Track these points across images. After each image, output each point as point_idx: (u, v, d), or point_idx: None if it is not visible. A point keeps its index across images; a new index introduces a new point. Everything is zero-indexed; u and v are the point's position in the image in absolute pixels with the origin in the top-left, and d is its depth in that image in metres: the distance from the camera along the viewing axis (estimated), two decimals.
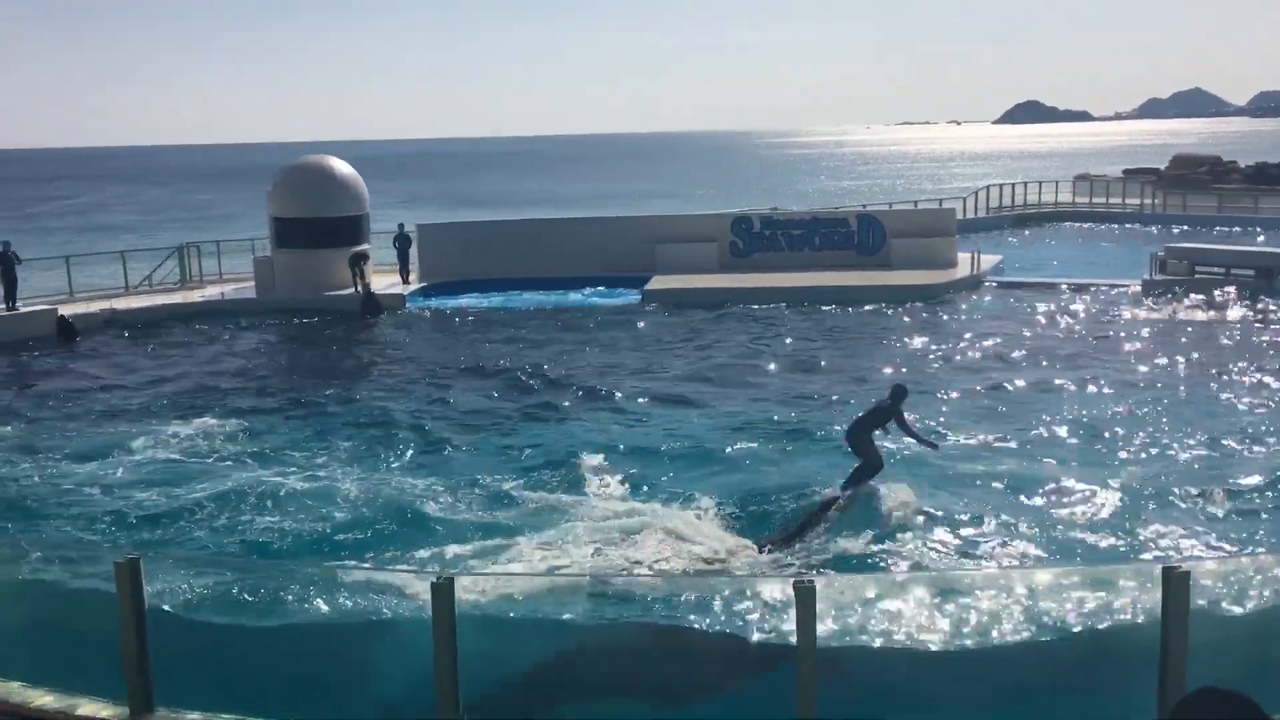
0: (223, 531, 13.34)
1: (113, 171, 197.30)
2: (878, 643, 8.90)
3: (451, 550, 12.31)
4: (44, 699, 7.68)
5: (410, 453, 16.77)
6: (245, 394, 21.16)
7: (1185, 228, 43.76)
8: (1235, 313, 26.20)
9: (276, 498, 14.35)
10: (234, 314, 29.91)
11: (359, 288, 31.15)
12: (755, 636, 9.13)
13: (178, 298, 31.45)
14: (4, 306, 27.70)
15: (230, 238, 38.57)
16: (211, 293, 32.20)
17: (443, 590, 6.92)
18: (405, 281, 32.89)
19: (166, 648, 7.65)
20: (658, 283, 31.33)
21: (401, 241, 33.27)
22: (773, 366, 22.06)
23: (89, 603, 9.54)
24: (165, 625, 8.23)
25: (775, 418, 17.90)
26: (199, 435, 17.98)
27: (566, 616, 9.74)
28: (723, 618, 9.56)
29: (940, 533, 12.48)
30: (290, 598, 10.25)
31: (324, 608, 10.13)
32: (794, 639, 6.67)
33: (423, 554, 12.26)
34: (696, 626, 9.50)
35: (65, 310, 28.39)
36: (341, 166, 33.21)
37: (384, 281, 32.55)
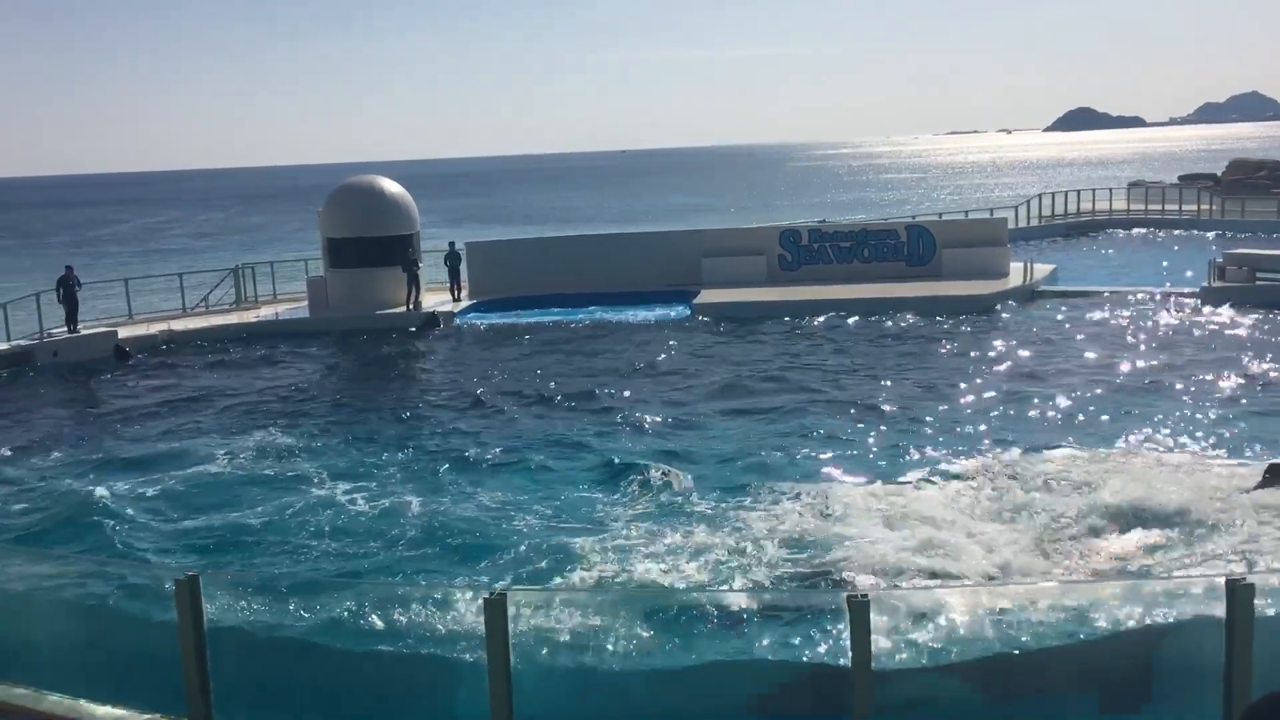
0: (281, 550, 13.49)
1: (168, 195, 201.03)
2: (929, 660, 8.79)
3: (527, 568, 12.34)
4: (106, 715, 7.80)
5: (470, 469, 16.86)
6: (301, 413, 21.42)
7: (1245, 234, 42.97)
8: None
9: (336, 516, 14.51)
10: (289, 334, 30.30)
11: (411, 304, 31.48)
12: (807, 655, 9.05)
13: (233, 318, 31.94)
14: (66, 329, 28.31)
15: (283, 258, 39.15)
16: (266, 313, 32.66)
17: (495, 606, 6.94)
18: (456, 299, 33.15)
19: (224, 666, 7.75)
20: (706, 296, 31.31)
21: (452, 259, 33.58)
22: (823, 378, 21.92)
23: (150, 620, 9.69)
24: (223, 643, 8.33)
25: (835, 428, 17.80)
26: (256, 454, 18.21)
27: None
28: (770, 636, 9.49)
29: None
30: (348, 615, 10.33)
31: (380, 624, 10.19)
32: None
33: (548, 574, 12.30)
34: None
35: (124, 332, 28.94)
36: (391, 186, 33.59)
37: (434, 299, 32.84)
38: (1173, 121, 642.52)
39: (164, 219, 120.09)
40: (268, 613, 10.46)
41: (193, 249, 73.00)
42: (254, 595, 10.66)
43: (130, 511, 15.32)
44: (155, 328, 30.05)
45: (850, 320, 28.00)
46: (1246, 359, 21.77)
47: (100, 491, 16.26)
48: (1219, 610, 6.71)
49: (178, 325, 30.46)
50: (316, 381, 25.10)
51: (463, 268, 33.75)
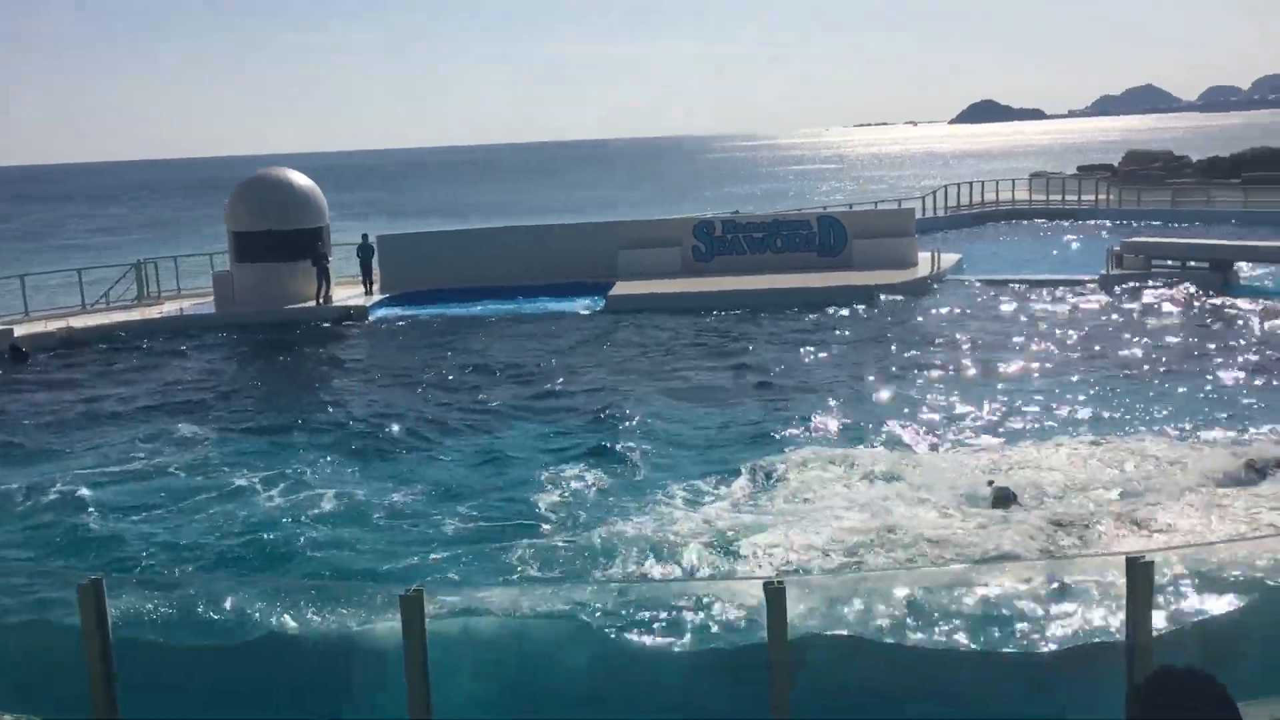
0: (190, 550, 13.19)
1: (67, 190, 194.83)
2: (845, 643, 8.93)
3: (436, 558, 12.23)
4: None
5: (383, 463, 16.68)
6: (208, 410, 20.94)
7: (1141, 223, 44.38)
8: (1191, 305, 26.58)
9: (248, 515, 14.24)
10: (195, 330, 29.62)
11: (321, 298, 31.01)
12: (727, 642, 9.14)
13: (136, 314, 31.10)
14: None
15: (188, 253, 38.22)
16: (170, 309, 31.86)
17: (412, 603, 6.89)
18: (369, 292, 32.73)
19: (131, 669, 7.57)
20: (621, 288, 31.35)
21: (364, 252, 33.14)
22: (737, 370, 22.11)
23: (51, 626, 9.41)
24: (129, 646, 8.13)
25: (743, 419, 17.97)
26: (162, 453, 17.76)
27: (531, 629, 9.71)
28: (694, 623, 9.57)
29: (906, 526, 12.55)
30: (259, 615, 10.15)
31: (293, 624, 10.04)
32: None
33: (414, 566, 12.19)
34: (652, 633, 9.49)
35: (20, 329, 27.99)
36: (300, 179, 33.01)
37: (347, 293, 32.37)
38: (1072, 114, 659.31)
39: (62, 214, 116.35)
40: (176, 614, 10.24)
41: (92, 245, 70.89)
42: (161, 597, 10.43)
43: (32, 515, 14.84)
44: (53, 325, 29.12)
45: (750, 312, 28.26)
46: (1141, 344, 22.48)
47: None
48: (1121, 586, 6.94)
49: (77, 322, 29.56)
50: (225, 378, 24.56)
51: (375, 261, 33.32)
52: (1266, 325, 23.85)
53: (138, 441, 18.47)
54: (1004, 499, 13.15)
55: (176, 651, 9.73)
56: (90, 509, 14.90)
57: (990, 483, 13.74)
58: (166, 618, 10.16)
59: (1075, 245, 40.94)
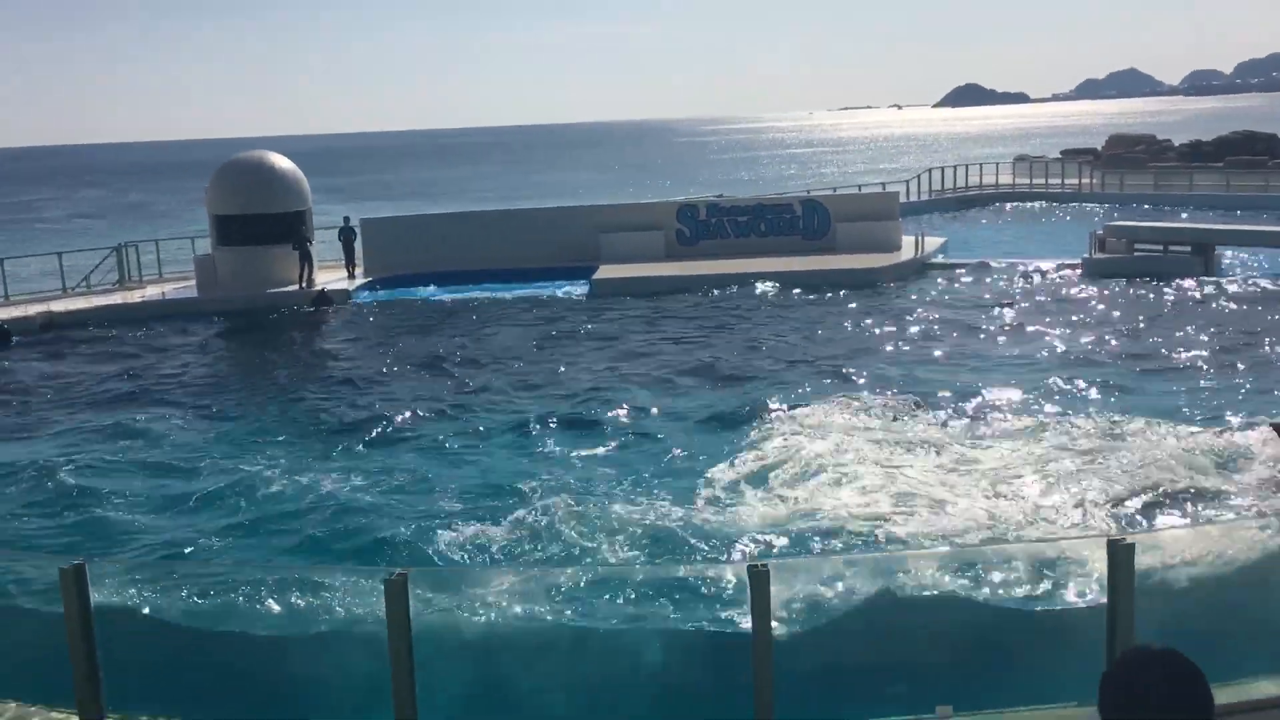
0: (172, 534, 13.15)
1: (44, 171, 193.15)
2: (827, 625, 8.97)
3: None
4: None
5: (364, 447, 16.64)
6: (192, 393, 20.85)
7: (1124, 207, 44.52)
8: (1173, 288, 26.70)
9: (230, 499, 14.20)
10: (177, 314, 29.44)
11: (304, 282, 30.87)
12: (711, 625, 9.17)
13: (117, 298, 30.89)
14: None
15: (169, 236, 37.97)
16: (152, 293, 31.65)
17: (395, 586, 6.87)
18: (351, 276, 32.59)
19: (115, 655, 7.54)
20: (605, 272, 31.30)
21: (346, 235, 32.99)
22: (720, 353, 22.12)
23: (36, 610, 9.37)
24: (113, 631, 8.10)
25: (725, 402, 17.98)
26: (145, 437, 17.68)
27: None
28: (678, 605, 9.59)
29: (890, 509, 12.60)
30: (243, 600, 10.13)
31: (277, 608, 10.01)
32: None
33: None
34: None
35: None
36: (281, 161, 32.80)
37: (329, 276, 32.22)
38: (1055, 98, 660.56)
39: (38, 196, 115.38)
40: (159, 599, 10.21)
41: (73, 226, 70.35)
42: (145, 582, 10.38)
43: (14, 499, 14.76)
44: (33, 309, 28.91)
45: (734, 295, 28.25)
46: (1123, 327, 22.59)
47: None
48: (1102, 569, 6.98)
49: (58, 306, 29.35)
50: (208, 362, 24.45)
51: (358, 244, 33.17)
52: (1247, 308, 24.00)
53: (119, 425, 18.37)
54: None
55: (159, 636, 9.70)
56: (73, 493, 14.84)
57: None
58: (149, 602, 10.13)
59: (1059, 229, 41.06)
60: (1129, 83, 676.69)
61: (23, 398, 21.21)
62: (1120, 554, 6.82)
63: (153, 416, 18.98)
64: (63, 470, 16.04)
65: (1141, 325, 22.84)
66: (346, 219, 33.60)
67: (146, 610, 9.96)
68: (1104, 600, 6.92)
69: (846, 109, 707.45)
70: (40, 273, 33.37)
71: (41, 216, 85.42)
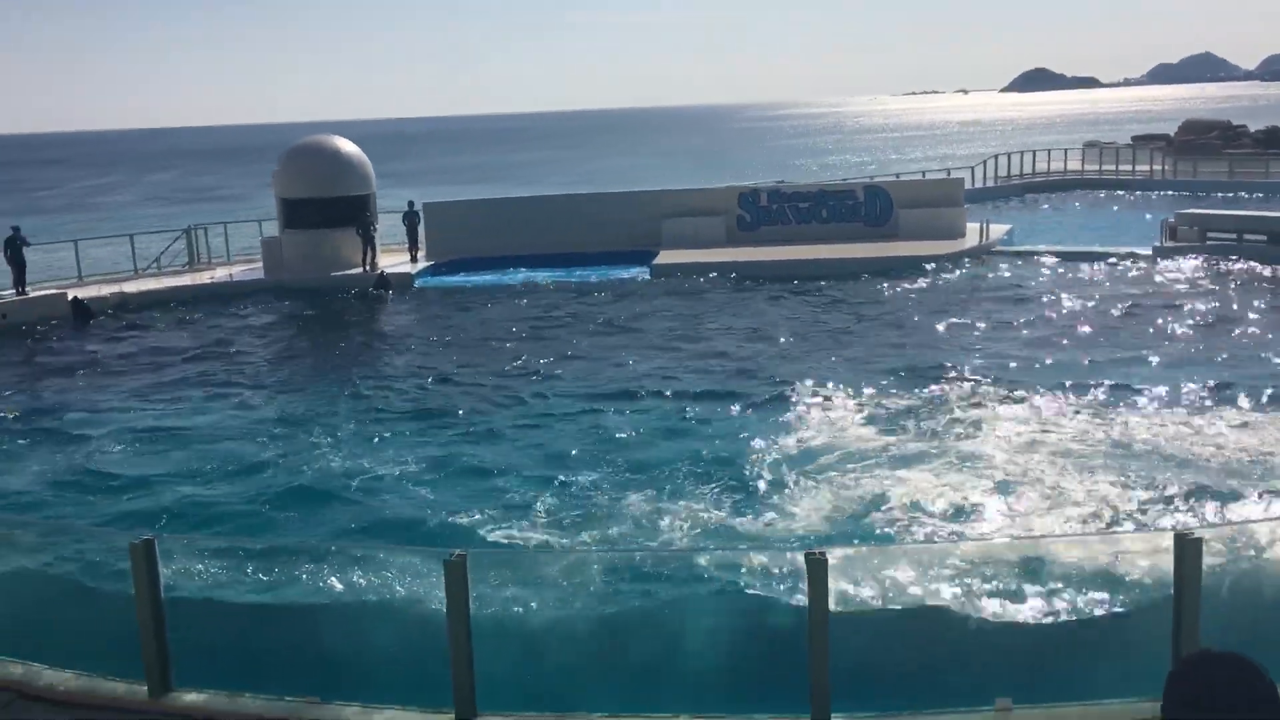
0: (240, 512, 13.41)
1: (116, 155, 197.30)
2: (887, 614, 8.92)
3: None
4: (65, 679, 7.75)
5: (426, 427, 16.82)
6: (260, 374, 21.23)
7: (1198, 194, 43.51)
8: (1247, 278, 26.06)
9: (295, 477, 14.45)
10: (244, 295, 29.94)
11: (368, 265, 31.23)
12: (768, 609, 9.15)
13: (186, 280, 31.49)
14: (14, 291, 27.78)
15: (237, 218, 38.61)
16: (220, 274, 32.23)
17: (455, 568, 6.95)
18: (414, 260, 32.89)
19: (183, 628, 7.72)
20: (665, 257, 31.26)
21: (410, 219, 33.31)
22: (781, 339, 22.01)
23: (107, 585, 9.62)
24: (181, 606, 8.29)
25: (782, 388, 17.90)
26: (215, 416, 18.05)
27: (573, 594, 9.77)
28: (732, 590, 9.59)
29: (959, 503, 12.48)
30: (306, 578, 10.30)
31: (339, 586, 10.18)
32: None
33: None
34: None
35: (75, 294, 28.47)
36: (347, 146, 33.17)
37: (392, 260, 32.56)
38: (1127, 82, 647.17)
39: (108, 180, 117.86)
40: (225, 576, 10.42)
41: (145, 209, 71.77)
42: (211, 558, 10.61)
43: (84, 475, 15.15)
44: (106, 290, 29.56)
45: (807, 281, 28.07)
46: (1195, 317, 22.10)
47: (54, 456, 16.08)
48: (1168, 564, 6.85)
49: (130, 287, 29.99)
50: (272, 342, 24.84)
51: (420, 228, 33.48)
52: None
53: (185, 403, 18.77)
54: None
55: (225, 610, 9.91)
56: (137, 467, 15.19)
57: None
58: (215, 578, 10.35)
59: (1128, 217, 40.23)
60: (1203, 67, 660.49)
61: (94, 374, 21.74)
62: (1187, 548, 6.70)
63: (216, 395, 19.38)
64: (129, 445, 16.46)
65: (1212, 314, 22.31)
66: (410, 203, 33.92)
67: (210, 585, 10.18)
68: (1169, 595, 6.81)
69: (912, 94, 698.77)
70: (113, 255, 34.14)
71: (113, 200, 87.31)
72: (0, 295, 27.60)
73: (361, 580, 10.23)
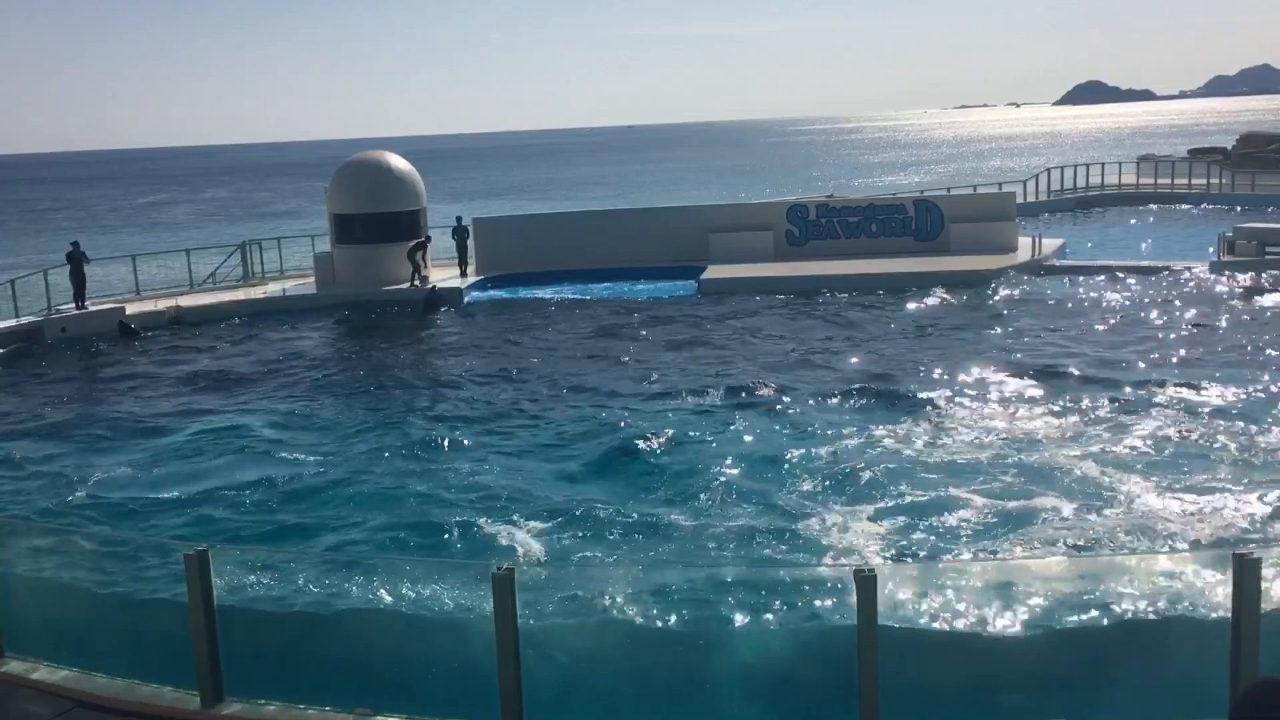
0: (291, 524, 13.54)
1: (170, 172, 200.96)
2: (937, 632, 8.80)
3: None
4: (119, 688, 7.86)
5: (476, 441, 16.90)
6: (312, 388, 21.44)
7: (1257, 208, 42.71)
8: None
9: (347, 491, 14.58)
10: (296, 310, 30.32)
11: (417, 281, 31.49)
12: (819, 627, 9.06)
13: (240, 294, 31.95)
14: (74, 305, 28.34)
15: (289, 234, 39.12)
16: (273, 289, 32.66)
17: (503, 581, 6.96)
18: (464, 275, 33.13)
19: (233, 639, 7.79)
20: (713, 272, 31.24)
21: (459, 235, 33.59)
22: (835, 356, 21.87)
23: (159, 596, 9.74)
24: (233, 617, 8.37)
25: (845, 406, 17.77)
26: (266, 429, 18.25)
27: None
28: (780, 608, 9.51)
29: (1008, 518, 12.32)
30: (356, 590, 10.36)
31: (388, 599, 10.23)
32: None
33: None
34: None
35: (131, 308, 28.97)
36: (398, 162, 33.54)
37: (442, 275, 32.82)
38: (1183, 95, 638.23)
39: (164, 196, 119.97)
40: (276, 587, 10.50)
41: (199, 225, 72.98)
42: (263, 570, 10.70)
43: (132, 487, 15.39)
44: (162, 304, 30.07)
45: (858, 296, 27.90)
46: (1258, 332, 21.67)
47: (100, 470, 16.34)
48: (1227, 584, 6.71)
49: (185, 302, 30.48)
50: (324, 356, 25.11)
51: (470, 243, 33.74)
52: None
53: (237, 416, 18.99)
54: None
55: (275, 621, 9.99)
56: (189, 479, 15.40)
57: None
58: (267, 589, 10.44)
59: (1186, 231, 39.58)
60: (1262, 79, 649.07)
61: (147, 387, 22.10)
62: (1246, 568, 6.56)
63: (266, 409, 19.59)
64: (180, 457, 16.68)
65: (1271, 330, 21.86)
66: (459, 219, 34.18)
67: (261, 596, 10.26)
68: (1228, 616, 6.66)
69: (963, 107, 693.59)
70: (168, 270, 34.74)
71: (168, 217, 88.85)
72: (61, 309, 28.16)
73: (410, 592, 10.27)
